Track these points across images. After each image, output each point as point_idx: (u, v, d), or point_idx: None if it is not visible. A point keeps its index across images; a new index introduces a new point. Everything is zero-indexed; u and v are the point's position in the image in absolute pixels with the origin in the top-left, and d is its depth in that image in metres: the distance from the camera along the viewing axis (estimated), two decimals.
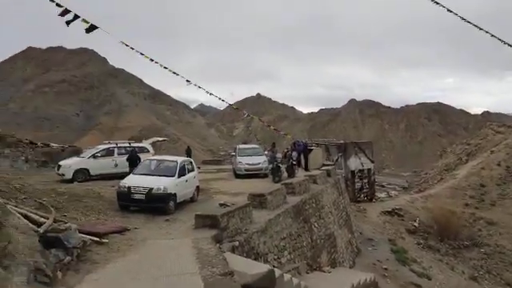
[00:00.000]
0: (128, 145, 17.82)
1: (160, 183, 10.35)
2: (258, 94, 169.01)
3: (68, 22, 14.23)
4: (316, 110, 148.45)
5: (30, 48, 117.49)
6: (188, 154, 24.79)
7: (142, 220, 9.51)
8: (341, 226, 16.71)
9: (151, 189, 10.18)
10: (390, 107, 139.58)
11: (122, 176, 16.03)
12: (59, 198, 10.49)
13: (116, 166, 16.70)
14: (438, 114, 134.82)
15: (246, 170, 17.97)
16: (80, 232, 6.17)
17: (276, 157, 16.95)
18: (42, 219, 6.08)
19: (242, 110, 23.19)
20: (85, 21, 14.55)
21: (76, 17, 14.38)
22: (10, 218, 4.54)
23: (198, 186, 12.79)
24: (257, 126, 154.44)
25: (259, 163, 18.17)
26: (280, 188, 11.92)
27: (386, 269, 16.83)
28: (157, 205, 10.13)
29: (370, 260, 17.91)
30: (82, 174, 15.89)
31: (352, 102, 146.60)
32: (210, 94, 21.02)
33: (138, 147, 17.93)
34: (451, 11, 12.58)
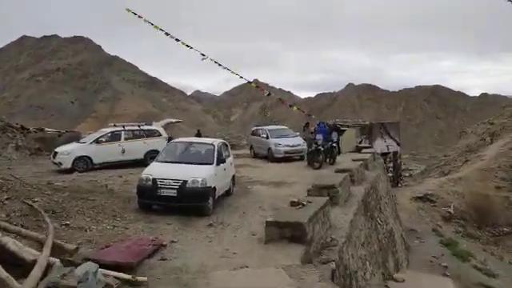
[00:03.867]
0: (137, 127, 14.94)
1: (197, 174, 7.56)
2: (256, 80, 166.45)
3: None
4: (313, 94, 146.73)
5: (24, 37, 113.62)
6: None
7: (176, 226, 6.74)
8: (394, 218, 14.12)
9: (185, 182, 7.39)
10: (387, 91, 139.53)
11: (131, 164, 13.62)
12: (57, 195, 7.71)
13: (123, 152, 13.95)
14: (437, 96, 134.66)
15: (285, 153, 15.88)
16: (99, 263, 3.42)
17: (316, 138, 14.16)
18: (32, 252, 3.30)
19: (262, 89, 20.32)
20: None
21: None
22: None
23: (233, 176, 10.01)
24: (255, 110, 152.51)
25: (299, 145, 16.18)
26: (345, 177, 9.18)
27: (446, 267, 14.29)
28: (194, 203, 7.36)
29: (422, 256, 15.37)
30: (84, 163, 13.12)
31: (350, 86, 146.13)
32: (233, 72, 18.35)
33: (147, 130, 15.10)
34: None
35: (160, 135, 15.12)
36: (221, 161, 8.48)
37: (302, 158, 16.01)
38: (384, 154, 29.37)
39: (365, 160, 12.96)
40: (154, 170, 7.79)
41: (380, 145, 27.74)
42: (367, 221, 9.27)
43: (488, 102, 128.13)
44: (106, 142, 13.93)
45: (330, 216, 6.77)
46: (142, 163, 12.84)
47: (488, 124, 43.00)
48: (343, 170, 10.36)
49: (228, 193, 9.39)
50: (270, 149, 16.20)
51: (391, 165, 30.15)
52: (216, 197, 8.15)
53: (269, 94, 20.42)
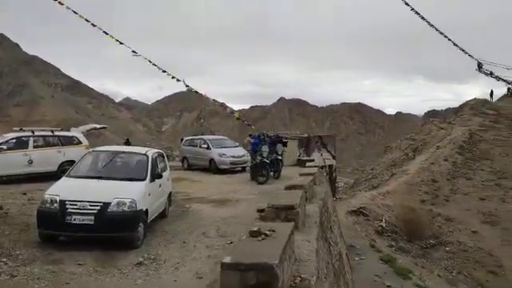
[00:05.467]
0: (51, 133, 12.44)
1: (124, 193, 5.81)
2: (188, 89, 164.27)
3: None
4: (247, 106, 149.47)
5: None
6: None
7: (91, 267, 4.92)
8: (340, 236, 13.38)
9: (107, 204, 5.61)
10: (316, 106, 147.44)
11: (41, 178, 11.20)
12: None
13: (31, 162, 11.48)
14: (359, 113, 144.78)
15: (231, 164, 15.09)
16: None
17: (262, 150, 13.00)
18: None
19: (202, 95, 18.48)
20: None
21: None
22: None
23: (170, 193, 8.33)
24: (187, 120, 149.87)
25: (243, 155, 15.46)
26: (302, 195, 8.01)
27: (389, 287, 13.89)
28: (118, 233, 5.59)
29: (365, 275, 14.89)
30: None
31: (281, 100, 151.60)
32: (169, 74, 16.58)
33: (63, 137, 12.71)
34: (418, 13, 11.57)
35: (80, 143, 12.81)
36: (156, 176, 6.79)
37: (243, 170, 15.30)
38: (321, 168, 29.34)
39: (313, 174, 12.02)
40: (63, 189, 5.87)
41: (317, 158, 27.61)
42: (324, 245, 8.18)
43: (403, 120, 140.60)
44: (9, 149, 11.36)
45: (294, 246, 5.48)
46: (56, 176, 10.70)
47: (410, 140, 45.83)
48: (294, 187, 9.19)
49: (162, 215, 7.69)
50: (212, 160, 15.10)
51: (327, 178, 30.23)
52: (148, 222, 6.45)
53: (213, 100, 18.91)
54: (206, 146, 15.66)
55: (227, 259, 4.04)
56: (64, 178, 6.49)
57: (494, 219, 28.65)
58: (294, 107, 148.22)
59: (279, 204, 6.81)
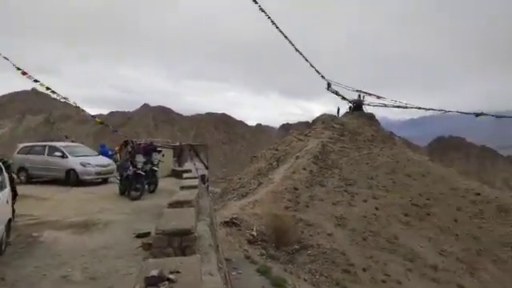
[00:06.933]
0: None
1: None
2: (35, 89, 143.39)
3: None
4: (105, 112, 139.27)
5: None
6: None
7: None
8: (222, 252, 12.39)
9: None
10: (181, 115, 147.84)
11: None
12: None
13: None
14: (223, 123, 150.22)
15: (97, 174, 13.47)
16: None
17: (135, 160, 11.08)
18: None
19: (65, 98, 14.69)
20: None
21: None
22: None
23: (10, 220, 5.97)
24: (31, 124, 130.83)
25: (109, 164, 14.04)
26: (191, 212, 6.73)
27: None
28: None
29: None
30: None
31: (145, 106, 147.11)
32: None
33: None
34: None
35: None
36: None
37: (104, 181, 13.90)
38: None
39: (197, 187, 10.79)
40: None
41: (191, 168, 26.39)
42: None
43: (262, 131, 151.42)
44: None
45: None
46: None
47: (274, 150, 48.69)
48: (180, 203, 7.84)
49: None
50: (71, 170, 12.96)
51: None
52: None
53: (73, 103, 15.34)
54: (60, 154, 13.17)
55: None
56: None
57: (343, 222, 32.10)
58: (159, 115, 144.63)
59: (171, 228, 5.43)
